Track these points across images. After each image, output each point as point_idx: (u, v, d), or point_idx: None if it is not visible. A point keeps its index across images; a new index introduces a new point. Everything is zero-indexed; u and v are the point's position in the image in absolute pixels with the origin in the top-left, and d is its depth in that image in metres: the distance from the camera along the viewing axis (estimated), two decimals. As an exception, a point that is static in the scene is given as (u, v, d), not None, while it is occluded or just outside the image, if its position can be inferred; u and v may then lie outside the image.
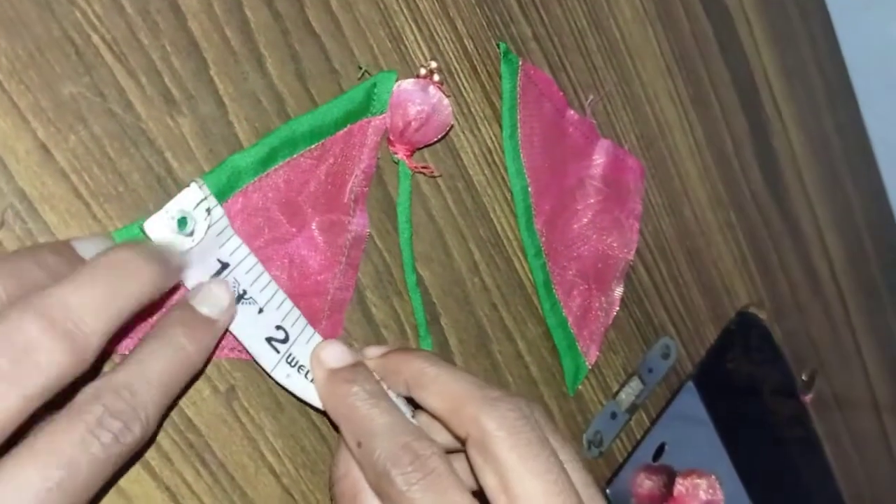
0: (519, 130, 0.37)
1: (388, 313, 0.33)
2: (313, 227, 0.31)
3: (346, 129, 0.32)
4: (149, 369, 0.23)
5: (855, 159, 0.66)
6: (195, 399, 0.28)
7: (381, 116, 0.32)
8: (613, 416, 0.43)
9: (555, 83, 0.39)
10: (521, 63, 0.37)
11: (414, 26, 0.33)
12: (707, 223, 0.49)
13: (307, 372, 0.29)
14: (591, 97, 0.41)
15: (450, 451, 0.28)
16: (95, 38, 0.25)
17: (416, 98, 0.33)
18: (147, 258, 0.23)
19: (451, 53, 0.35)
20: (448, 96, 0.33)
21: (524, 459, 0.25)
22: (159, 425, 0.25)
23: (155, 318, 0.26)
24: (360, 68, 0.32)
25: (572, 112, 0.39)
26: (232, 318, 0.27)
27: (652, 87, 0.45)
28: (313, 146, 0.31)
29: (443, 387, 0.27)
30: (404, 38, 0.33)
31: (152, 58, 0.26)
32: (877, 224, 0.69)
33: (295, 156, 0.30)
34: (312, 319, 0.31)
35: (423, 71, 0.33)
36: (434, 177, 0.35)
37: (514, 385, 0.38)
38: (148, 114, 0.26)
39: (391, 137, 0.33)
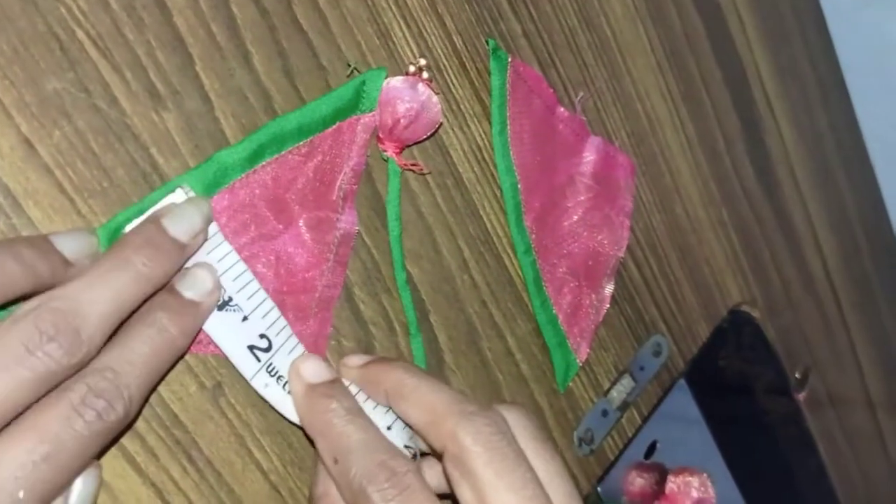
0: (508, 127, 0.37)
1: (376, 310, 0.33)
2: (301, 225, 0.31)
3: (335, 127, 0.31)
4: (132, 352, 0.23)
5: (848, 156, 0.66)
6: (181, 395, 0.28)
7: (370, 114, 0.32)
8: (605, 413, 0.43)
9: (544, 80, 0.39)
10: (510, 60, 0.37)
11: (402, 23, 0.33)
12: (699, 220, 0.49)
13: (286, 383, 0.29)
14: (581, 94, 0.41)
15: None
16: (80, 34, 0.25)
17: (405, 95, 0.33)
18: (150, 257, 0.24)
19: (439, 50, 0.35)
20: (437, 94, 0.33)
21: (500, 475, 0.25)
22: (141, 408, 0.26)
23: None
24: (350, 66, 0.32)
25: (562, 109, 0.39)
26: (217, 300, 0.27)
27: (643, 84, 0.45)
28: (301, 143, 0.31)
29: (421, 398, 0.27)
30: (392, 34, 0.33)
31: (137, 53, 0.26)
32: (870, 221, 0.69)
33: (283, 152, 0.30)
34: (300, 317, 0.31)
35: (412, 68, 0.33)
36: (423, 174, 0.34)
37: (504, 382, 0.38)
38: (133, 109, 0.26)
39: (380, 135, 0.33)
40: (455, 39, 0.35)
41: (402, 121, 0.33)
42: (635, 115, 0.45)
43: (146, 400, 0.26)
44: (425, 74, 0.33)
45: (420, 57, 0.34)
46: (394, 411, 0.29)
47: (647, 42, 0.45)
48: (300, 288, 0.31)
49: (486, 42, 0.36)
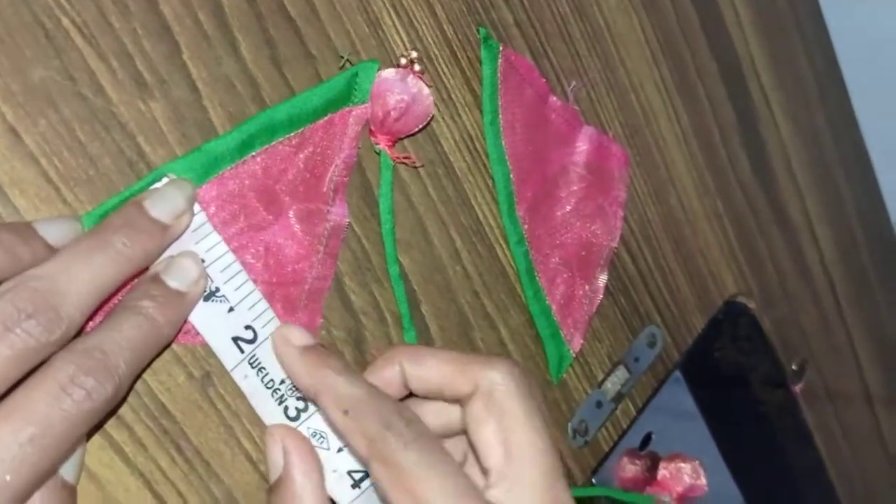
0: (500, 117, 0.37)
1: (366, 300, 0.33)
2: (290, 216, 0.31)
3: (326, 118, 0.31)
4: (120, 334, 0.23)
5: (845, 148, 0.66)
6: (170, 385, 0.27)
7: (362, 106, 0.32)
8: (599, 405, 0.43)
9: (536, 69, 0.38)
10: (501, 49, 0.36)
11: (392, 11, 0.33)
12: (693, 211, 0.49)
13: (265, 375, 0.29)
14: (573, 83, 0.41)
15: None
16: (66, 22, 0.25)
17: (396, 88, 0.32)
18: (130, 238, 0.24)
19: (430, 39, 0.35)
20: (429, 86, 0.33)
21: (527, 413, 0.27)
22: (127, 394, 0.26)
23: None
24: (342, 57, 0.32)
25: (555, 98, 0.39)
26: (203, 290, 0.27)
27: (637, 75, 0.45)
28: (292, 134, 0.30)
29: (445, 355, 0.29)
30: (382, 23, 0.33)
31: (123, 41, 0.26)
32: (868, 213, 0.69)
33: (273, 143, 0.30)
34: (289, 308, 0.30)
35: (403, 60, 0.33)
36: (416, 167, 0.34)
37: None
38: (119, 98, 0.26)
39: (372, 128, 0.33)
40: (446, 28, 0.35)
41: (392, 113, 0.32)
42: (629, 106, 0.44)
43: (131, 388, 0.26)
44: (417, 66, 0.33)
45: (412, 49, 0.34)
46: (412, 375, 0.29)
47: (640, 32, 0.45)
48: (289, 280, 0.31)
49: (478, 31, 0.36)
